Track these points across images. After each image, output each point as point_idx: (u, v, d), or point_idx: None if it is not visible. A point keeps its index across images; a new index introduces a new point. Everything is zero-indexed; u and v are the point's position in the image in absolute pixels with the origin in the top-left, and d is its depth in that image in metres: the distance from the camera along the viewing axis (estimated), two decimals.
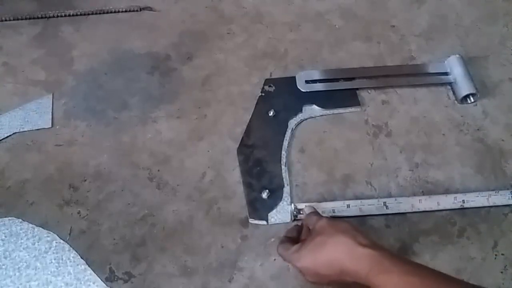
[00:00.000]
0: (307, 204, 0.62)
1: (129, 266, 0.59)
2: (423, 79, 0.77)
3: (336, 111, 0.74)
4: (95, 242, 0.61)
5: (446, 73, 0.76)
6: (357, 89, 0.76)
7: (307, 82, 0.76)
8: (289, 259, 0.53)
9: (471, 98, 0.74)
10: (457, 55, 0.76)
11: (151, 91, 0.76)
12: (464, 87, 0.73)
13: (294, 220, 0.62)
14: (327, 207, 0.62)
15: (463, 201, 0.63)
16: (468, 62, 0.77)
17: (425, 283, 0.44)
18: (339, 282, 0.50)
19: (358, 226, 0.57)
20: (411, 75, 0.77)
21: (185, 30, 0.85)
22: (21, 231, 0.61)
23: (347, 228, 0.50)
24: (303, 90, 0.75)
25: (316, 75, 0.77)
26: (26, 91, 0.76)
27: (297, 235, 0.57)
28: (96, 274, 0.58)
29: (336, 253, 0.49)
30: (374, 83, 0.76)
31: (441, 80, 0.76)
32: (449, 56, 0.77)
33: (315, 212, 0.57)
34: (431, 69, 0.77)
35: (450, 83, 0.76)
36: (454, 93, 0.75)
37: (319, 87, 0.75)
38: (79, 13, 0.87)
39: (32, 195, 0.65)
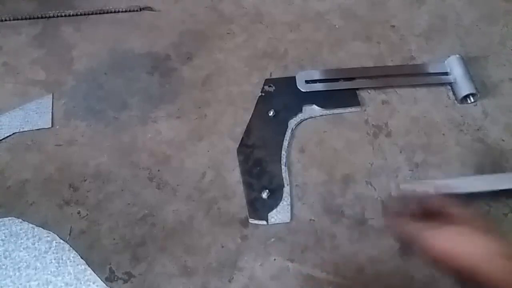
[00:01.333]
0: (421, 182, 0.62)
1: (129, 266, 0.59)
2: (423, 79, 0.77)
3: (336, 111, 0.74)
4: (95, 242, 0.61)
5: (446, 73, 0.76)
6: (357, 89, 0.76)
7: (307, 82, 0.76)
8: (419, 236, 0.48)
9: (471, 98, 0.74)
10: (457, 55, 0.76)
11: (151, 91, 0.76)
12: (464, 87, 0.73)
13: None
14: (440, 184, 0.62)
15: None
16: (468, 62, 0.77)
17: None
18: (461, 276, 0.49)
19: None
20: (411, 75, 0.77)
21: (185, 30, 0.85)
22: (21, 231, 0.61)
23: (493, 233, 0.47)
24: (303, 90, 0.75)
25: (316, 75, 0.77)
26: (26, 91, 0.76)
27: (409, 212, 0.51)
28: (96, 274, 0.58)
29: (477, 253, 0.46)
30: (374, 83, 0.76)
31: (441, 80, 0.76)
32: (449, 56, 0.77)
33: (450, 199, 0.54)
34: (431, 69, 0.77)
35: (450, 83, 0.76)
36: (454, 93, 0.75)
37: (319, 87, 0.75)
38: (79, 13, 0.87)
39: (32, 195, 0.65)
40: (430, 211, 0.52)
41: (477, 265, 0.45)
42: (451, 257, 0.47)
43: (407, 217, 0.51)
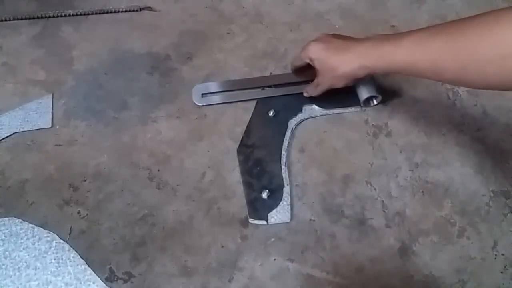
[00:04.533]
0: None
1: (129, 266, 0.59)
2: None
3: (336, 111, 0.74)
4: (95, 242, 0.61)
5: None
6: (256, 99, 0.74)
7: (203, 95, 0.75)
8: (316, 92, 0.71)
9: (374, 101, 0.73)
10: None
11: (151, 91, 0.76)
12: (365, 90, 0.71)
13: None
14: None
15: None
16: None
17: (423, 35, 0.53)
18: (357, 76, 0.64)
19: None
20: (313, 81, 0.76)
21: (185, 30, 0.85)
22: (21, 231, 0.61)
23: (331, 47, 0.64)
24: (199, 104, 0.74)
25: (213, 88, 0.76)
26: (26, 91, 0.76)
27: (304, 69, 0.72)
28: (96, 274, 0.58)
29: (338, 72, 0.64)
30: (275, 92, 0.75)
31: None
32: None
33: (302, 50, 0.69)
34: None
35: (352, 86, 0.72)
36: (356, 94, 0.72)
37: (216, 99, 0.74)
38: (79, 13, 0.87)
39: (32, 195, 0.65)
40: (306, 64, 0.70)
41: (345, 72, 0.64)
42: (337, 82, 0.67)
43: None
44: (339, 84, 0.67)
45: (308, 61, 0.68)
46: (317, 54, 0.65)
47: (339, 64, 0.63)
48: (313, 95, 0.72)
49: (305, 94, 0.73)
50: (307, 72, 0.72)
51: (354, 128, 0.72)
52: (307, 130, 0.72)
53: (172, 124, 0.72)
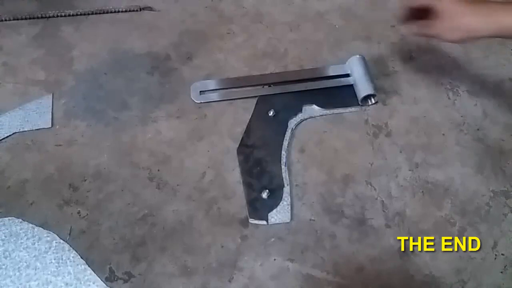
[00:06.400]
0: None
1: (129, 266, 0.59)
2: (324, 82, 0.75)
3: (336, 111, 0.74)
4: (95, 242, 0.61)
5: (347, 75, 0.75)
6: (256, 97, 0.75)
7: (201, 92, 0.75)
8: (422, 32, 0.66)
9: (372, 100, 0.73)
10: (358, 56, 0.75)
11: (151, 91, 0.76)
12: (363, 89, 0.71)
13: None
14: None
15: None
16: (468, 62, 0.77)
17: None
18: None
19: (358, 225, 0.58)
20: (312, 80, 0.76)
21: (185, 30, 0.85)
22: (21, 231, 0.61)
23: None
24: (197, 101, 0.74)
25: (212, 85, 0.76)
26: (26, 91, 0.76)
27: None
28: (96, 274, 0.58)
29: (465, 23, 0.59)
30: (273, 90, 0.75)
31: (341, 83, 0.75)
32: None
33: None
34: (332, 72, 0.76)
35: (351, 85, 0.74)
36: (355, 94, 0.73)
37: (214, 97, 0.75)
38: (79, 13, 0.87)
39: (32, 195, 0.65)
40: (422, 10, 0.65)
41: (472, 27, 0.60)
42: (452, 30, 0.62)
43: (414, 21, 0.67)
44: (451, 36, 0.62)
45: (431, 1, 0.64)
46: None
47: (466, 13, 0.60)
48: (417, 32, 0.67)
49: (410, 30, 0.68)
50: (417, 19, 0.67)
51: (354, 128, 0.72)
52: (307, 130, 0.72)
53: (172, 124, 0.72)
